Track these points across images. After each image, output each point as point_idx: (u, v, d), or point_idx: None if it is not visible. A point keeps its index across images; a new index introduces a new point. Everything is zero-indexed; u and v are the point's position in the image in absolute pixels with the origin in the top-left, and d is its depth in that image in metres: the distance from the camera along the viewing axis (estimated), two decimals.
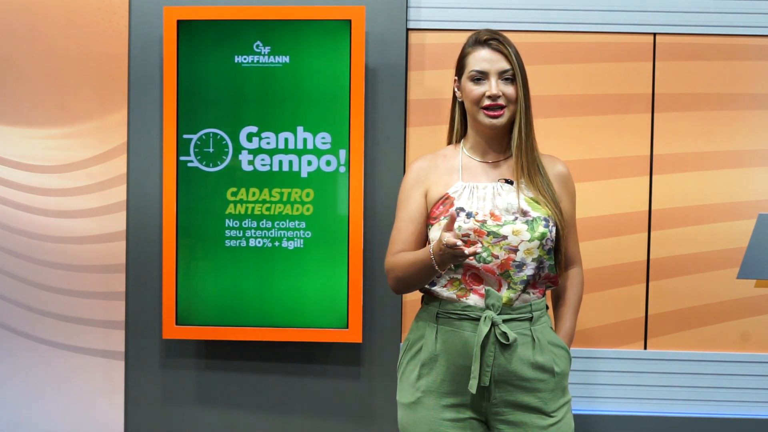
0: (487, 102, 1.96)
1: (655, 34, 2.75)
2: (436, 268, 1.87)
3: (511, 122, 1.99)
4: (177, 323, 2.72)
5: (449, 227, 1.80)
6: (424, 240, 2.06)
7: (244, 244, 2.70)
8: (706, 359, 2.78)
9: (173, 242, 2.70)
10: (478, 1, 2.74)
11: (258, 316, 2.71)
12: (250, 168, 2.69)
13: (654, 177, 2.77)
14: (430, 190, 2.03)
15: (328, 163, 2.68)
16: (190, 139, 2.70)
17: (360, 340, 2.69)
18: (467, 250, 1.75)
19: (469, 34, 2.05)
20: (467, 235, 1.94)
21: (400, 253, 2.02)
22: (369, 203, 2.74)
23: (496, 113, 1.96)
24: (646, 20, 2.73)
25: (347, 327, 2.69)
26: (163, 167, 2.70)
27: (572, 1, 2.73)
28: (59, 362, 2.84)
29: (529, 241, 1.94)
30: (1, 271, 2.84)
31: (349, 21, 2.64)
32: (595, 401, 2.80)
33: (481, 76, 1.97)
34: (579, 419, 2.62)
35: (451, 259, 1.81)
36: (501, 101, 1.96)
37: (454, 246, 1.75)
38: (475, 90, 1.97)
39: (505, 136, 2.02)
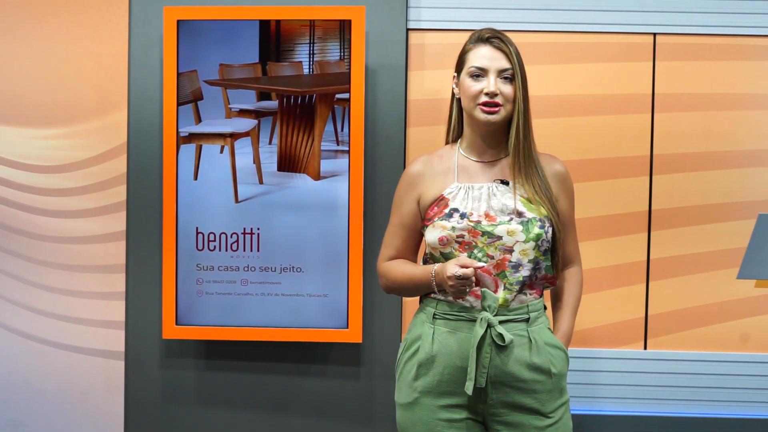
0: (483, 99, 1.95)
1: (655, 34, 2.75)
2: (436, 291, 1.96)
3: (507, 121, 1.98)
4: (177, 323, 2.72)
5: (464, 264, 1.86)
6: (415, 244, 2.09)
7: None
8: (706, 359, 2.78)
9: (173, 242, 2.70)
10: (478, 1, 2.74)
11: (258, 316, 2.71)
12: None
13: (654, 177, 2.77)
14: (424, 193, 2.03)
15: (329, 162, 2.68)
16: None
17: (360, 340, 2.69)
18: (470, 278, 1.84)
19: (469, 34, 2.04)
20: (461, 236, 1.94)
21: (396, 263, 2.06)
22: (369, 203, 2.75)
23: (492, 109, 1.95)
24: (646, 20, 2.73)
25: (347, 327, 2.70)
26: (163, 167, 2.70)
27: (572, 1, 2.73)
28: (59, 362, 2.84)
29: (525, 242, 1.94)
30: (1, 271, 2.84)
31: (350, 21, 2.64)
32: (595, 401, 2.80)
33: (480, 73, 1.96)
34: (579, 419, 2.62)
35: (457, 292, 1.89)
36: (498, 99, 1.95)
37: (463, 277, 1.84)
38: (473, 86, 1.96)
39: (501, 134, 2.01)
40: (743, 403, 2.78)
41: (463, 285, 1.86)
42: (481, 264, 1.86)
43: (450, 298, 1.98)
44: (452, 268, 1.86)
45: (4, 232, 2.83)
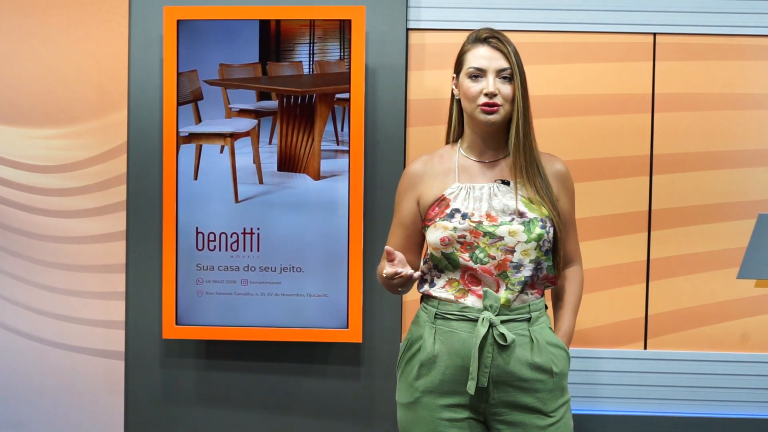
0: (483, 99, 1.95)
1: (655, 34, 2.75)
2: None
3: (507, 121, 1.98)
4: (177, 323, 2.72)
5: (389, 258, 1.88)
6: (415, 243, 2.09)
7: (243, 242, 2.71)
8: (706, 359, 2.78)
9: (173, 242, 2.70)
10: (478, 1, 2.74)
11: (258, 316, 2.71)
12: None
13: (654, 177, 2.77)
14: (424, 194, 2.03)
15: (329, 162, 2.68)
16: None
17: (360, 340, 2.69)
18: (395, 278, 1.86)
19: (468, 34, 2.04)
20: (463, 237, 1.94)
21: (383, 261, 2.06)
22: (369, 203, 2.75)
23: (491, 109, 1.95)
24: (646, 20, 2.73)
25: (347, 327, 2.70)
26: (163, 167, 2.70)
27: (572, 1, 2.73)
28: (59, 362, 2.84)
29: (526, 242, 1.94)
30: (1, 271, 2.84)
31: (350, 21, 2.64)
32: (595, 401, 2.80)
33: (478, 74, 1.96)
34: (579, 419, 2.62)
35: (393, 288, 1.92)
36: (497, 100, 1.94)
37: (391, 276, 1.86)
38: (472, 87, 1.96)
39: (501, 134, 2.01)
40: (743, 403, 2.78)
41: (391, 285, 1.89)
42: (406, 271, 1.85)
43: (451, 297, 1.98)
44: (382, 266, 1.92)
45: (4, 232, 2.83)
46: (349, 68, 2.66)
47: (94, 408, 2.85)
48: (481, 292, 1.96)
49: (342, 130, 2.69)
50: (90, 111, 2.80)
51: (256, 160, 2.71)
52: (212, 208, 2.71)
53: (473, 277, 1.97)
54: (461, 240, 1.94)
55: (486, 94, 1.94)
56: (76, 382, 2.85)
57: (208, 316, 2.73)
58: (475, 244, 1.94)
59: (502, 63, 1.95)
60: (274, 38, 2.69)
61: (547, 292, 2.09)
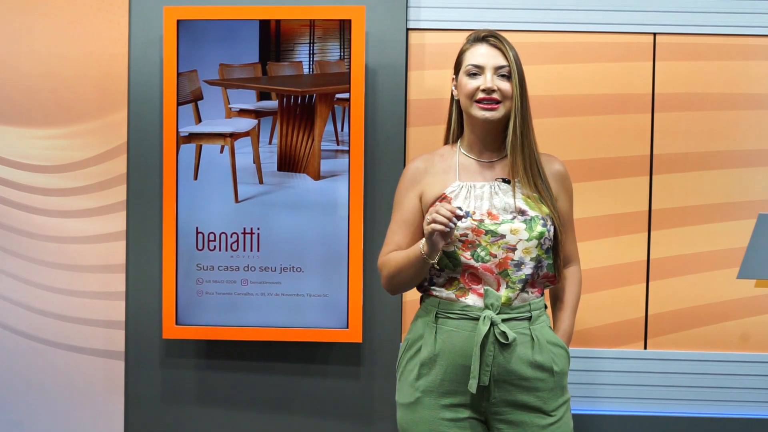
0: (481, 95, 1.95)
1: (655, 34, 2.75)
2: (425, 257, 1.90)
3: (506, 120, 1.98)
4: (177, 323, 2.72)
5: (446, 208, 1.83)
6: (417, 241, 2.06)
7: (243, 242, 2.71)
8: (706, 359, 2.78)
9: (173, 242, 2.70)
10: (478, 1, 2.74)
11: (258, 316, 2.71)
12: None
13: (654, 177, 2.77)
14: (426, 191, 2.03)
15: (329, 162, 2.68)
16: None
17: (360, 340, 2.69)
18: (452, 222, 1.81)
19: (468, 34, 2.05)
20: (465, 235, 1.94)
21: (392, 252, 2.04)
22: (369, 203, 2.75)
23: (490, 106, 1.95)
24: (646, 20, 2.73)
25: (347, 327, 2.70)
26: (164, 167, 2.70)
27: (572, 1, 2.73)
28: (59, 362, 2.84)
29: (528, 240, 1.94)
30: (1, 271, 2.84)
31: (349, 21, 2.64)
32: (595, 401, 2.80)
33: (477, 71, 1.97)
34: (579, 419, 2.62)
35: (439, 237, 1.83)
36: (496, 96, 1.95)
37: (450, 218, 1.80)
38: (470, 83, 1.96)
39: (500, 134, 2.01)
40: (743, 403, 2.78)
41: (440, 228, 1.81)
42: (468, 225, 1.84)
43: (451, 296, 1.98)
44: (430, 216, 1.84)
45: (4, 232, 2.83)
46: (349, 68, 2.66)
47: (94, 408, 2.85)
48: (481, 291, 1.96)
49: (342, 130, 2.69)
50: (90, 111, 2.80)
51: (256, 160, 2.71)
52: (212, 208, 2.72)
53: (473, 276, 1.97)
54: (463, 238, 1.94)
55: (484, 90, 1.94)
56: (76, 382, 2.85)
57: (208, 316, 2.73)
58: (477, 242, 1.94)
59: (501, 60, 1.96)
60: (274, 38, 2.69)
61: (546, 292, 2.09)
